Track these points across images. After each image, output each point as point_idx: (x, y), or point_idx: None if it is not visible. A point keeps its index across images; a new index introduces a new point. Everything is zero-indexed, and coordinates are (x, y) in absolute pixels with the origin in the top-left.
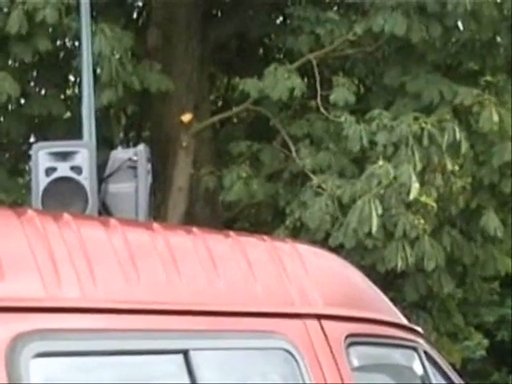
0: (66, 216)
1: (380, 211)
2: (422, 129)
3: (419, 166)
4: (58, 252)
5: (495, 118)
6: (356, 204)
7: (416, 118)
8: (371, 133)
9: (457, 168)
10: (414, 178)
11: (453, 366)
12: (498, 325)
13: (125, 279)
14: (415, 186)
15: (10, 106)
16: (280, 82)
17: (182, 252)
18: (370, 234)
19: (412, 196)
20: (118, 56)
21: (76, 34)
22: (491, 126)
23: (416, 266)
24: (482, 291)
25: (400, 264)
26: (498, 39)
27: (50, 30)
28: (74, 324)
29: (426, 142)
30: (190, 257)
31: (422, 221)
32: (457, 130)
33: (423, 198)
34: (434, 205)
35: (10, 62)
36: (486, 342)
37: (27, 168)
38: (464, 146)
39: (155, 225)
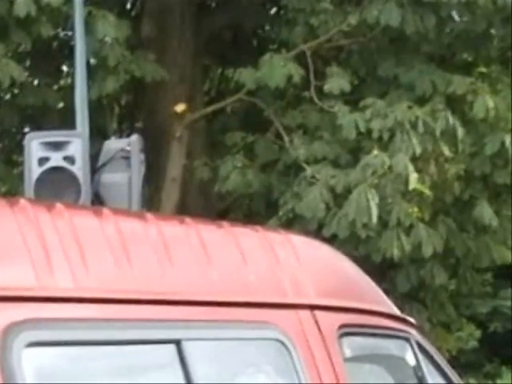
0: (59, 205)
1: (377, 201)
2: (417, 117)
3: (418, 151)
4: (51, 241)
5: (490, 104)
6: (352, 195)
7: (409, 107)
8: (366, 120)
9: (451, 155)
10: (410, 167)
11: (445, 357)
12: (490, 316)
13: (117, 269)
14: (413, 175)
15: (3, 96)
16: (277, 69)
17: (174, 242)
18: (365, 224)
19: (412, 186)
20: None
21: (72, 24)
22: (486, 113)
23: (412, 255)
24: (475, 282)
25: (396, 253)
26: (492, 30)
27: (53, 15)
28: (67, 313)
29: (420, 128)
30: (182, 247)
31: (416, 209)
32: (450, 117)
33: (418, 186)
34: (429, 193)
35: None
36: (478, 332)
37: (21, 158)
38: (460, 132)
39: (148, 214)
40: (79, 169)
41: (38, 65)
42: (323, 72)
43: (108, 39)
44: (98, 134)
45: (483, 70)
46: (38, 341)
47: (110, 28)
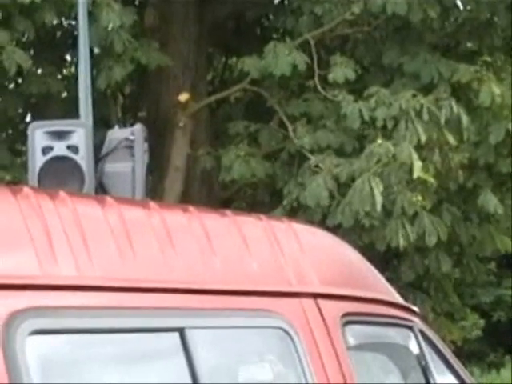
0: (62, 193)
1: (381, 189)
2: (421, 105)
3: (423, 139)
4: (54, 229)
5: (497, 91)
6: (355, 183)
7: (414, 96)
8: (370, 109)
9: (456, 143)
10: (415, 155)
11: (449, 346)
12: (494, 305)
13: (120, 257)
14: (418, 164)
15: (7, 85)
16: (281, 58)
17: (178, 230)
18: (368, 213)
19: (416, 174)
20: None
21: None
22: (492, 100)
23: (416, 244)
24: (479, 272)
25: (401, 242)
26: (496, 19)
27: (57, 3)
28: (70, 301)
29: (425, 117)
30: (186, 235)
31: (420, 197)
32: (454, 105)
33: (422, 175)
34: (433, 181)
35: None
36: (481, 322)
37: (25, 148)
38: (464, 120)
39: (151, 203)
40: (83, 158)
41: (42, 54)
42: (327, 61)
43: (112, 26)
44: (101, 124)
45: (487, 58)
46: (42, 329)
47: (114, 16)
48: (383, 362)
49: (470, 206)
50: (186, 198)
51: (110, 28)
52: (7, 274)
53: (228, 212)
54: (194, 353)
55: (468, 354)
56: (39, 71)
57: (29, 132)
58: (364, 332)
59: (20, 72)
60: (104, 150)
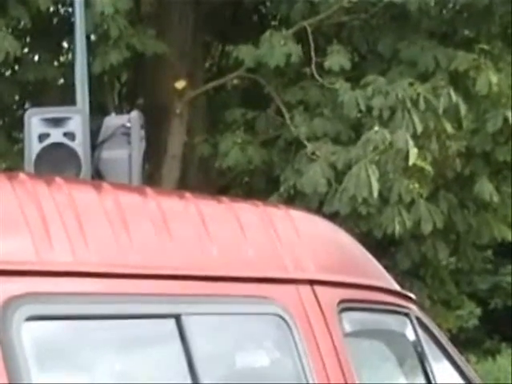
0: (58, 179)
1: (377, 176)
2: (418, 94)
3: (419, 129)
4: (50, 215)
5: (494, 79)
6: (352, 170)
7: (411, 84)
8: (367, 98)
9: (453, 132)
10: (411, 143)
11: (445, 334)
12: (490, 293)
13: (117, 243)
14: (414, 151)
15: (4, 71)
16: (276, 48)
17: (174, 216)
18: (365, 200)
19: (412, 161)
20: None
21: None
22: (489, 89)
23: (412, 232)
24: (476, 259)
25: (398, 229)
26: (494, 6)
27: None
28: (66, 287)
29: (422, 106)
30: (182, 221)
31: (417, 185)
32: (452, 93)
33: (419, 162)
34: (430, 169)
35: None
36: (478, 310)
37: (21, 135)
38: (463, 108)
39: (147, 189)
40: (79, 145)
41: (39, 41)
42: (324, 49)
43: (108, 10)
44: (98, 111)
45: (485, 46)
46: (38, 314)
47: (109, 2)
48: (380, 349)
49: (467, 193)
50: (183, 186)
51: (105, 13)
52: (3, 259)
53: (224, 198)
54: (190, 339)
55: (464, 341)
56: (36, 58)
57: (25, 119)
58: (361, 319)
59: (16, 58)
60: (101, 137)
